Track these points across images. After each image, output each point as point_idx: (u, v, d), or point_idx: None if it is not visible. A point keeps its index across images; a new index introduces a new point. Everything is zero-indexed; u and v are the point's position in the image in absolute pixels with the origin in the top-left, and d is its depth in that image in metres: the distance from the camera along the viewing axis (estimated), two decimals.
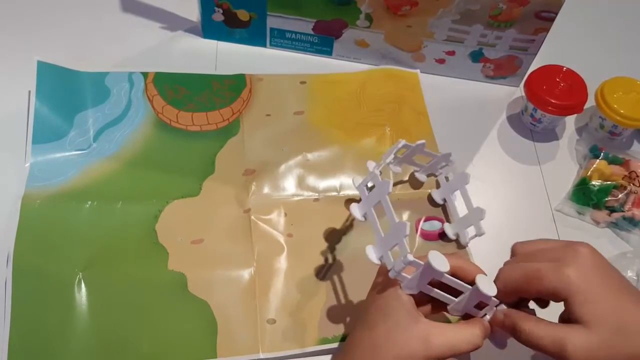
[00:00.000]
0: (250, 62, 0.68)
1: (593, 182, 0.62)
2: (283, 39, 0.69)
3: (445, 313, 0.44)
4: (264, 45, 0.70)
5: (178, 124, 0.61)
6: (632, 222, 0.60)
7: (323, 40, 0.68)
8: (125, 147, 0.58)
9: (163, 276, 0.51)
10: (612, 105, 0.63)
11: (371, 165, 0.51)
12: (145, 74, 0.63)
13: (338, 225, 0.57)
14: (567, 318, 0.39)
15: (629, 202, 0.61)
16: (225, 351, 0.48)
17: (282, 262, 0.53)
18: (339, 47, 0.69)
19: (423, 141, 0.54)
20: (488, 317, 0.42)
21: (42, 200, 0.53)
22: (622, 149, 0.66)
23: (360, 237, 0.56)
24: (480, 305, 0.42)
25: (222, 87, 0.64)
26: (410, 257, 0.39)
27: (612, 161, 0.63)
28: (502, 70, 0.69)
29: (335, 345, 0.50)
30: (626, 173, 0.62)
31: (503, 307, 0.42)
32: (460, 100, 0.69)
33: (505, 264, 0.43)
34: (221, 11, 0.66)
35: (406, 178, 0.61)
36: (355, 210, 0.46)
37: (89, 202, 0.53)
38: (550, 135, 0.68)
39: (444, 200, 0.59)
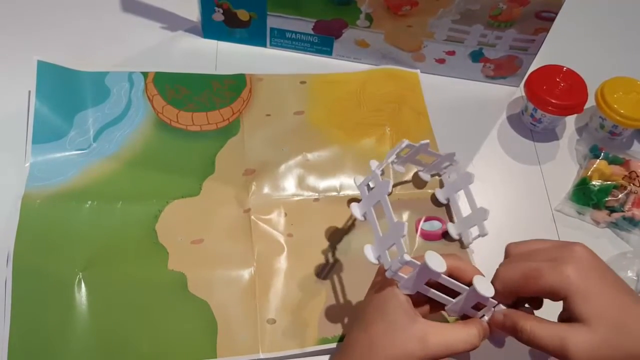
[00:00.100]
0: (250, 62, 0.68)
1: (593, 182, 0.62)
2: (283, 39, 0.69)
3: (443, 313, 0.44)
4: (264, 45, 0.70)
5: (178, 123, 0.61)
6: (632, 222, 0.60)
7: (323, 40, 0.68)
8: (125, 147, 0.58)
9: (163, 276, 0.51)
10: (612, 105, 0.63)
11: (374, 164, 0.51)
12: (145, 74, 0.63)
13: (338, 225, 0.57)
14: (566, 318, 0.39)
15: (629, 202, 0.61)
16: (225, 351, 0.48)
17: (282, 262, 0.53)
18: (339, 47, 0.69)
19: (427, 141, 0.54)
20: (486, 318, 0.42)
21: (42, 200, 0.53)
22: (622, 149, 0.66)
23: (360, 237, 0.56)
24: (478, 306, 0.42)
25: (222, 87, 0.64)
26: (407, 257, 0.39)
27: (612, 161, 0.63)
28: (502, 70, 0.69)
29: (335, 345, 0.50)
30: (626, 173, 0.62)
31: (502, 307, 0.42)
32: (460, 100, 0.69)
33: (501, 265, 0.43)
34: (221, 11, 0.66)
35: (409, 178, 0.61)
36: (356, 209, 0.46)
37: (89, 202, 0.53)
38: (550, 135, 0.68)
39: (448, 199, 0.59)
